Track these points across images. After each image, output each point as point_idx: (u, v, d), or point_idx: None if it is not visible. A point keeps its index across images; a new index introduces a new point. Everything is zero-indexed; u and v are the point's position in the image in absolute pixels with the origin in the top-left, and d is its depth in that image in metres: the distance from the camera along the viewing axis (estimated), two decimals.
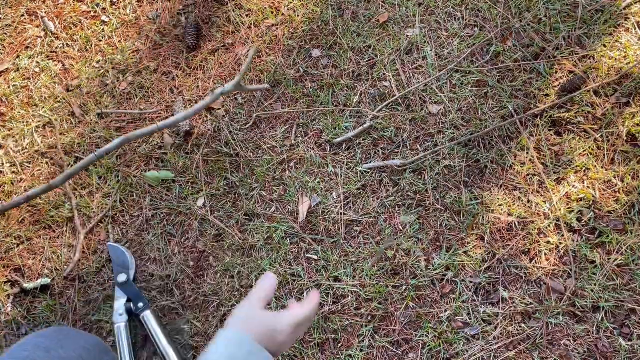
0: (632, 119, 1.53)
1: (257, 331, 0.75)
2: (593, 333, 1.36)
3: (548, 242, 1.46)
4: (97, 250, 1.60)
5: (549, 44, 1.65)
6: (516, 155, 1.56)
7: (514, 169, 1.54)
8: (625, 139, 1.52)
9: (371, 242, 1.52)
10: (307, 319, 0.82)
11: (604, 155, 1.52)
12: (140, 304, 1.46)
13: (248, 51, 1.48)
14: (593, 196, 1.48)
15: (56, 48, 1.89)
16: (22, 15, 1.95)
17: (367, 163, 1.60)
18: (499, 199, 1.52)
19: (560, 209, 1.48)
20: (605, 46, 1.62)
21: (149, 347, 1.48)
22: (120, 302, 1.48)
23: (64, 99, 1.80)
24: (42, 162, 1.73)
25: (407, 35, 1.73)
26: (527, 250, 1.46)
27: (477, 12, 1.73)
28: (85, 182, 1.69)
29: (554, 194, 1.50)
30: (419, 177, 1.57)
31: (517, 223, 1.49)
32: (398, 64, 1.70)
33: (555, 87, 1.61)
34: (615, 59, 1.60)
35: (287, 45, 1.77)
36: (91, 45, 1.88)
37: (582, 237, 1.45)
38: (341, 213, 1.55)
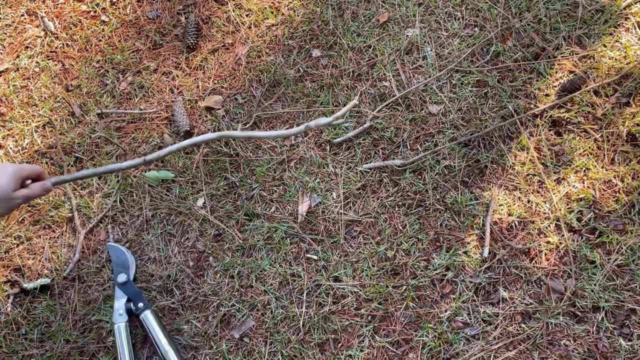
0: (632, 119, 1.53)
1: None
2: (593, 333, 1.36)
3: (548, 242, 1.46)
4: (97, 250, 1.60)
5: (549, 43, 1.65)
6: (516, 155, 1.56)
7: (514, 169, 1.54)
8: (625, 139, 1.52)
9: (371, 242, 1.52)
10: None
11: (604, 155, 1.52)
12: (140, 304, 1.46)
13: (348, 101, 1.55)
14: (593, 196, 1.48)
15: (56, 48, 1.89)
16: (22, 15, 1.95)
17: (367, 163, 1.60)
18: (499, 199, 1.52)
19: (560, 209, 1.48)
20: (605, 46, 1.62)
21: (149, 347, 1.48)
22: (120, 302, 1.48)
23: (64, 98, 1.80)
24: (42, 162, 1.73)
25: (407, 35, 1.73)
26: (527, 250, 1.46)
27: (477, 12, 1.73)
28: (85, 182, 1.68)
29: (554, 194, 1.50)
30: (419, 177, 1.57)
31: (517, 223, 1.49)
32: (398, 64, 1.70)
33: (555, 87, 1.61)
34: (615, 59, 1.60)
35: (287, 45, 1.77)
36: (91, 45, 1.87)
37: (582, 237, 1.45)
38: (341, 213, 1.55)
